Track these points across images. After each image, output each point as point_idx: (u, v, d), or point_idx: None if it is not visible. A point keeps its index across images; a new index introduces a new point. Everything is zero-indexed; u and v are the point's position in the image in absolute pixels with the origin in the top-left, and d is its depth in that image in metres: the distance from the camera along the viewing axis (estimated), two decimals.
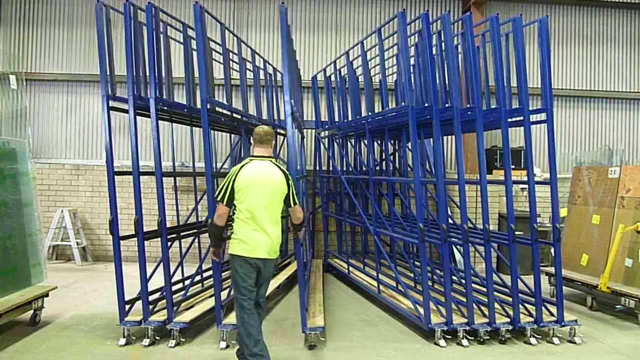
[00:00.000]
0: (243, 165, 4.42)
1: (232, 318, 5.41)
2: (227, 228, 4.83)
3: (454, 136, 5.87)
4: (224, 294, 5.82)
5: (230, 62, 7.37)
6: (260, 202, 4.34)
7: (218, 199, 4.40)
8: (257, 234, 4.35)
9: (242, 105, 6.93)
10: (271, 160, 4.52)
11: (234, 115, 6.85)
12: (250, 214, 4.33)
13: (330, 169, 9.47)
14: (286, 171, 4.54)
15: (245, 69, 6.82)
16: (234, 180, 4.33)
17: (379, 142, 9.16)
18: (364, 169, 8.79)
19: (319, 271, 8.20)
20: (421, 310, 5.55)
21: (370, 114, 7.01)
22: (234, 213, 4.49)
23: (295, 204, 4.55)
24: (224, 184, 4.37)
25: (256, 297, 4.48)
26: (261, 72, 8.27)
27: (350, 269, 8.11)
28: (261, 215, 4.35)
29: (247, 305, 4.36)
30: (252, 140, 4.73)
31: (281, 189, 4.44)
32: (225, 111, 6.62)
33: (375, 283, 6.93)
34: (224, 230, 4.64)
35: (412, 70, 6.86)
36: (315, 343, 5.18)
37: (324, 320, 5.52)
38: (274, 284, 6.86)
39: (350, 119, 8.18)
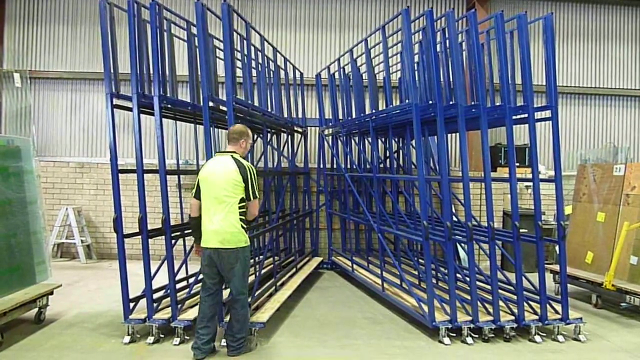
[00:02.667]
0: (207, 161, 4.90)
1: None
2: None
3: (458, 134, 5.85)
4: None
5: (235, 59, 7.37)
6: (210, 194, 4.69)
7: (191, 193, 4.94)
8: (209, 224, 4.69)
9: (247, 103, 6.92)
10: (232, 155, 4.78)
11: (237, 113, 6.85)
12: (205, 206, 4.74)
13: (334, 166, 9.46)
14: (246, 165, 4.74)
15: (251, 67, 6.81)
16: (198, 175, 4.82)
17: (383, 139, 9.15)
18: (367, 166, 8.78)
19: (309, 269, 8.15)
20: (425, 308, 5.54)
21: (374, 111, 7.00)
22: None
23: (251, 198, 4.75)
24: (196, 179, 4.85)
25: (230, 287, 4.81)
26: (266, 70, 8.26)
27: (355, 266, 8.11)
28: (212, 206, 4.68)
29: (202, 294, 4.84)
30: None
31: (232, 181, 4.64)
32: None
33: (379, 281, 6.93)
34: (198, 221, 4.86)
35: (416, 68, 6.84)
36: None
37: (267, 318, 5.49)
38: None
39: (354, 116, 8.17)
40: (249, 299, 5.46)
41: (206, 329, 4.79)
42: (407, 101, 6.69)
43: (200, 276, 6.54)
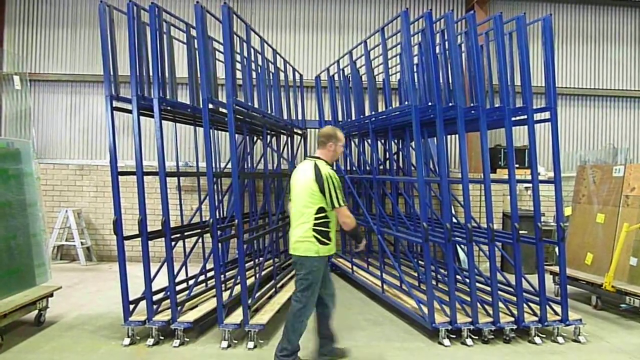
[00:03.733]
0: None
1: (233, 317, 5.45)
2: None
3: (457, 135, 5.86)
4: (225, 294, 5.83)
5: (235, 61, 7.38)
6: (293, 201, 4.63)
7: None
8: (290, 229, 4.64)
9: (247, 105, 6.93)
10: (315, 161, 4.56)
11: (237, 115, 6.86)
12: (292, 211, 4.66)
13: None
14: (324, 173, 4.43)
15: (251, 69, 6.82)
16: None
17: (383, 141, 9.15)
18: (367, 168, 8.78)
19: None
20: (425, 310, 5.54)
21: (373, 113, 7.01)
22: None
23: (335, 206, 4.42)
24: None
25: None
26: (266, 71, 8.27)
27: (354, 268, 8.11)
28: (294, 212, 4.60)
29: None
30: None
31: (308, 190, 4.44)
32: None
33: (379, 282, 6.92)
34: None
35: (415, 70, 6.85)
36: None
37: (267, 320, 5.48)
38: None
39: (353, 118, 8.17)
40: (249, 301, 5.46)
41: (320, 341, 4.78)
42: (406, 103, 6.69)
43: (200, 278, 6.59)
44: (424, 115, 5.98)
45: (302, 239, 4.47)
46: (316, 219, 4.43)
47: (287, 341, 4.52)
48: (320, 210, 4.43)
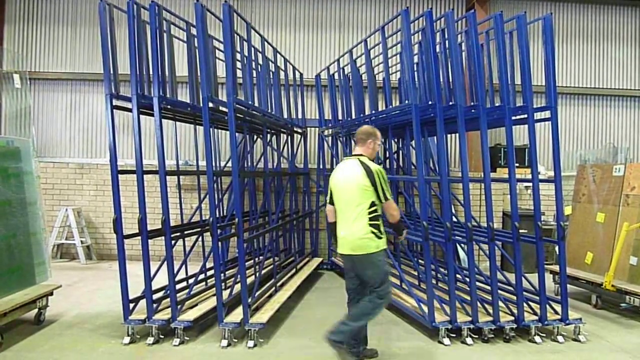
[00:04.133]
0: (335, 167, 4.84)
1: (233, 316, 5.45)
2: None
3: (457, 134, 5.85)
4: (225, 293, 5.83)
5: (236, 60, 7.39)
6: (341, 200, 4.62)
7: (327, 199, 4.85)
8: (340, 230, 4.61)
9: (247, 104, 6.94)
10: (359, 158, 4.60)
11: (237, 114, 6.86)
12: (337, 212, 4.68)
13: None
14: (373, 168, 4.50)
15: (252, 68, 6.82)
16: (330, 180, 4.79)
17: (383, 140, 9.14)
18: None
19: (309, 270, 8.17)
20: (425, 309, 5.54)
21: (373, 112, 7.00)
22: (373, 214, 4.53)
23: (382, 200, 4.51)
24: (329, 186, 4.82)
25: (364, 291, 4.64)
26: (265, 69, 8.27)
27: None
28: (343, 212, 4.60)
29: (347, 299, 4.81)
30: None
31: (361, 186, 4.46)
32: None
33: None
34: (334, 227, 4.79)
35: (415, 69, 6.85)
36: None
37: (267, 319, 5.49)
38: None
39: (353, 117, 8.17)
40: (249, 300, 5.47)
41: (352, 342, 4.72)
42: (406, 102, 6.69)
43: (200, 276, 6.59)
44: (424, 114, 5.98)
45: (361, 238, 4.46)
46: (369, 213, 4.47)
47: (350, 331, 4.54)
48: (372, 204, 4.49)
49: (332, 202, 4.76)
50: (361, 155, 4.66)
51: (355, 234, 4.48)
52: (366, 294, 4.60)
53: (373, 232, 4.46)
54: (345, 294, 4.88)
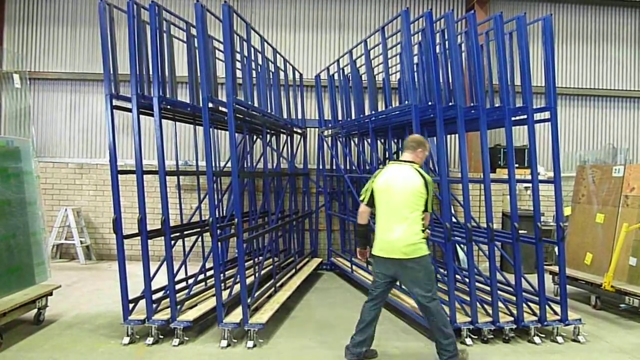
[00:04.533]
0: (383, 169, 4.79)
1: (232, 316, 5.45)
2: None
3: (457, 135, 5.86)
4: (225, 293, 5.83)
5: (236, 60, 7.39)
6: (390, 205, 4.62)
7: (361, 199, 4.82)
8: (388, 234, 4.60)
9: (247, 104, 6.94)
10: (412, 166, 4.68)
11: (237, 114, 6.86)
12: (382, 215, 4.67)
13: (334, 167, 9.47)
14: (427, 178, 4.61)
15: (251, 68, 6.82)
16: (373, 182, 4.72)
17: (383, 140, 9.16)
18: (367, 167, 8.78)
19: (308, 270, 8.17)
20: None
21: (373, 112, 7.01)
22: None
23: (428, 210, 4.67)
24: (367, 186, 4.78)
25: (416, 296, 4.71)
26: (265, 70, 8.28)
27: (353, 267, 8.11)
28: (392, 217, 4.61)
29: (367, 298, 4.84)
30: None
31: (418, 194, 4.56)
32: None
33: None
34: (367, 228, 4.88)
35: (415, 69, 6.85)
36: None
37: (266, 319, 5.49)
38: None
39: (353, 117, 8.17)
40: (249, 300, 5.47)
41: (360, 334, 4.75)
42: (406, 102, 6.69)
43: (200, 277, 6.59)
44: (424, 115, 5.98)
45: (414, 242, 4.53)
46: (422, 219, 4.64)
47: (446, 336, 4.60)
48: (423, 211, 4.65)
49: (370, 204, 4.73)
50: (412, 162, 4.73)
51: (409, 238, 4.52)
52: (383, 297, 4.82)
53: (423, 237, 4.59)
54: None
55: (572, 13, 11.35)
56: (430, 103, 5.76)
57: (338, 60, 8.78)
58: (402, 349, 5.19)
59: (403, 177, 4.61)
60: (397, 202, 4.58)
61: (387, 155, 8.56)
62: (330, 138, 9.59)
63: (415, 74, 6.70)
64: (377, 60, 8.60)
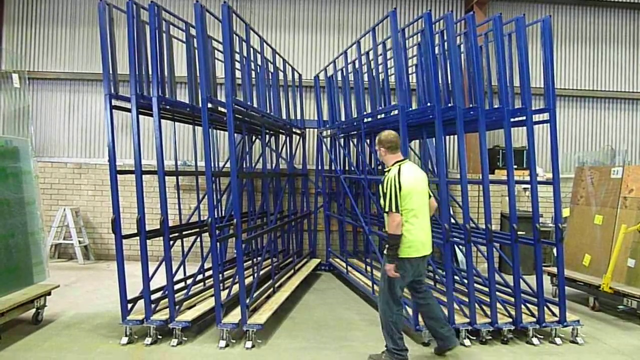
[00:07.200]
0: (400, 172, 4.56)
1: (231, 317, 5.45)
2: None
3: (456, 136, 5.86)
4: (223, 294, 5.82)
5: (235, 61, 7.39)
6: (421, 203, 4.66)
7: (390, 208, 4.45)
8: (423, 234, 4.66)
9: (246, 104, 6.94)
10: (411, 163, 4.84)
11: (236, 114, 6.87)
12: (417, 216, 4.59)
13: (333, 168, 9.47)
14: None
15: (250, 69, 6.82)
16: (399, 188, 4.46)
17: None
18: (366, 168, 8.77)
19: (307, 271, 8.17)
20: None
21: (364, 113, 7.02)
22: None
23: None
24: (390, 192, 4.45)
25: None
26: (264, 70, 8.28)
27: (349, 268, 8.10)
28: (424, 214, 4.68)
29: (396, 308, 4.75)
30: (383, 146, 4.76)
31: (427, 187, 4.83)
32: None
33: (371, 283, 6.87)
34: (400, 237, 4.56)
35: (414, 70, 6.86)
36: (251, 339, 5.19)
37: (265, 319, 5.49)
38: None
39: (349, 117, 8.17)
40: (247, 300, 5.47)
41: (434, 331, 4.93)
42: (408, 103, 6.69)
43: (199, 277, 6.59)
44: (423, 116, 5.98)
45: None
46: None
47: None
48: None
49: (397, 210, 4.43)
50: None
51: (431, 232, 4.81)
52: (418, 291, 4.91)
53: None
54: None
55: (571, 15, 11.37)
56: (429, 104, 5.76)
57: (334, 61, 8.79)
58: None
59: (420, 175, 4.78)
60: (424, 201, 4.72)
61: None
62: (329, 138, 9.59)
63: (414, 75, 6.71)
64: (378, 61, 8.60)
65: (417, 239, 4.57)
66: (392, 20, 5.48)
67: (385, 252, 4.58)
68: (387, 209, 4.47)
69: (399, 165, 4.64)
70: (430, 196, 4.85)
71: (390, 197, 4.45)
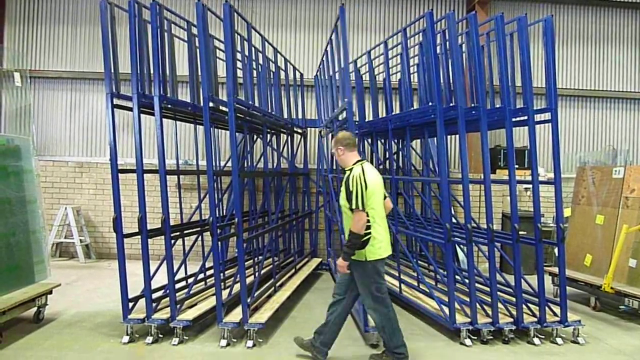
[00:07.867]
0: (364, 171, 4.50)
1: (232, 316, 5.45)
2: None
3: (458, 135, 5.85)
4: (225, 293, 5.82)
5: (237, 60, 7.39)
6: (382, 202, 4.63)
7: (357, 205, 4.36)
8: (386, 233, 4.63)
9: (248, 104, 6.94)
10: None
11: (238, 114, 6.86)
12: (380, 215, 4.58)
13: (334, 167, 9.45)
14: None
15: (252, 68, 6.82)
16: (365, 187, 4.39)
17: (383, 141, 9.14)
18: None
19: (308, 270, 8.16)
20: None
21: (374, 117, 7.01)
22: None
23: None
24: (356, 190, 4.38)
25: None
26: (266, 69, 8.28)
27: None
28: (383, 215, 4.64)
29: (386, 309, 4.64)
30: (341, 145, 4.69)
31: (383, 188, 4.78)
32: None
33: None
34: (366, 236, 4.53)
35: (415, 70, 6.85)
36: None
37: (266, 319, 5.47)
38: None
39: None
40: (248, 300, 5.47)
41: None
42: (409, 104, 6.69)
43: (200, 276, 6.59)
44: (425, 116, 5.98)
45: None
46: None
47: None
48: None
49: (364, 208, 4.39)
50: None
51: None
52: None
53: None
54: None
55: (573, 14, 11.35)
56: (430, 104, 5.75)
57: (333, 61, 8.78)
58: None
59: (380, 176, 4.69)
60: (382, 200, 4.66)
61: (387, 156, 8.55)
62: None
63: (417, 74, 6.70)
64: (377, 61, 8.60)
65: (384, 238, 4.58)
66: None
67: (345, 249, 4.47)
68: (354, 207, 4.38)
69: (361, 165, 4.58)
70: (385, 197, 4.73)
71: (356, 195, 4.38)
